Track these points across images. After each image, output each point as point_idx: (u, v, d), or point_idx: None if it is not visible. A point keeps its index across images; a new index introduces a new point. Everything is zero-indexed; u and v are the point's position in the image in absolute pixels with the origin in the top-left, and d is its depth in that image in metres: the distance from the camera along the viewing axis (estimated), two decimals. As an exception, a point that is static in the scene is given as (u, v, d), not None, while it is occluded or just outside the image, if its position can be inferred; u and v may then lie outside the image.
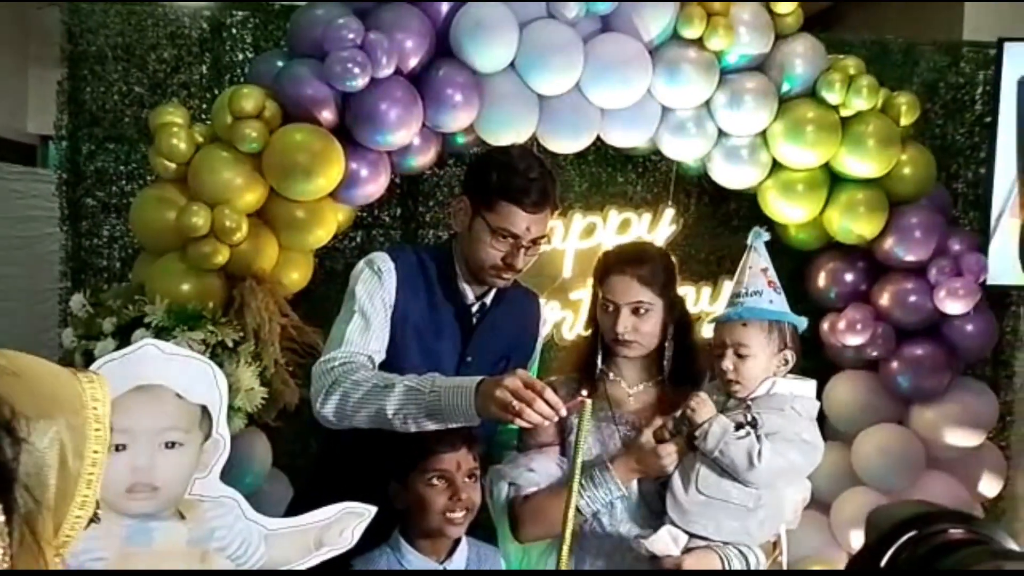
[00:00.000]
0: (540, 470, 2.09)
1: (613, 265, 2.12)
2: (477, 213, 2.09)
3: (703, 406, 1.98)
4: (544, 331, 2.47)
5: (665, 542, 1.94)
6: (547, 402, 1.78)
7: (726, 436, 1.93)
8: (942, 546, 0.85)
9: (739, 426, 1.96)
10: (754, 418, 1.96)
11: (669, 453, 1.98)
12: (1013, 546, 0.89)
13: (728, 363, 2.02)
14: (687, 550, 1.96)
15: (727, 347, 2.03)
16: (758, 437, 1.93)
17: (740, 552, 1.98)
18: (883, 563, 0.88)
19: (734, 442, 1.92)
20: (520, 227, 2.06)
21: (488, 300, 2.22)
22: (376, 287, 2.10)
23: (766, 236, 2.11)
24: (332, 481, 2.05)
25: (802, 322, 2.09)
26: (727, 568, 1.96)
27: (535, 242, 2.11)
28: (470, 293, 2.20)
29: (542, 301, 2.49)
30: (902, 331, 3.25)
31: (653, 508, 2.05)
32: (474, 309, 2.20)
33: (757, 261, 2.08)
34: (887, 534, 0.90)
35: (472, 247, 2.11)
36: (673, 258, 2.27)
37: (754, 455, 1.91)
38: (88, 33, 3.15)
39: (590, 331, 2.23)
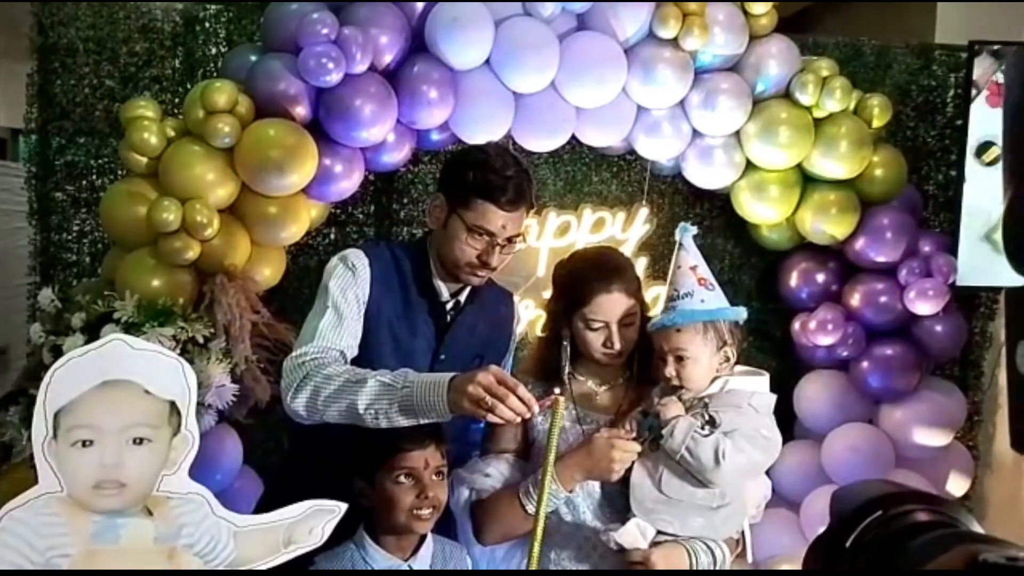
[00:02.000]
0: (496, 474, 2.09)
1: (597, 283, 2.06)
2: (453, 211, 2.08)
3: (671, 404, 1.99)
4: (519, 330, 2.47)
5: (633, 535, 1.95)
6: (520, 399, 1.77)
7: (691, 433, 1.93)
8: (908, 527, 0.85)
9: (702, 426, 1.96)
10: (711, 416, 1.97)
11: (624, 450, 1.95)
12: (978, 528, 0.89)
13: (670, 370, 2.02)
14: (654, 544, 1.96)
15: (666, 353, 2.03)
16: (721, 436, 1.94)
17: (707, 546, 1.99)
18: (848, 543, 0.88)
19: (701, 440, 1.92)
20: (496, 225, 2.06)
21: (462, 298, 2.21)
22: (349, 283, 2.09)
23: (693, 230, 2.11)
24: (300, 478, 2.04)
25: (740, 314, 2.06)
26: (695, 562, 1.96)
27: (510, 240, 2.11)
28: (445, 291, 2.19)
29: (516, 299, 2.48)
30: (872, 331, 3.28)
31: (615, 503, 2.04)
32: (448, 307, 2.20)
33: (686, 259, 2.06)
34: (852, 514, 0.90)
35: (448, 245, 2.10)
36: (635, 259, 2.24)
37: (719, 453, 1.91)
38: (59, 26, 3.10)
39: (548, 335, 2.18)
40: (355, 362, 2.06)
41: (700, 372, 2.02)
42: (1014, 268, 0.74)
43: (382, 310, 2.12)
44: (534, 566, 1.85)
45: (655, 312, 2.13)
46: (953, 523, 0.88)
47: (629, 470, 1.99)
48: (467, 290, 2.21)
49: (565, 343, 2.02)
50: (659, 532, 1.98)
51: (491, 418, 1.79)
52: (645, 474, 1.99)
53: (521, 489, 2.02)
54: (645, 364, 2.13)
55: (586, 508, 2.06)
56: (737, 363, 2.08)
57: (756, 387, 2.05)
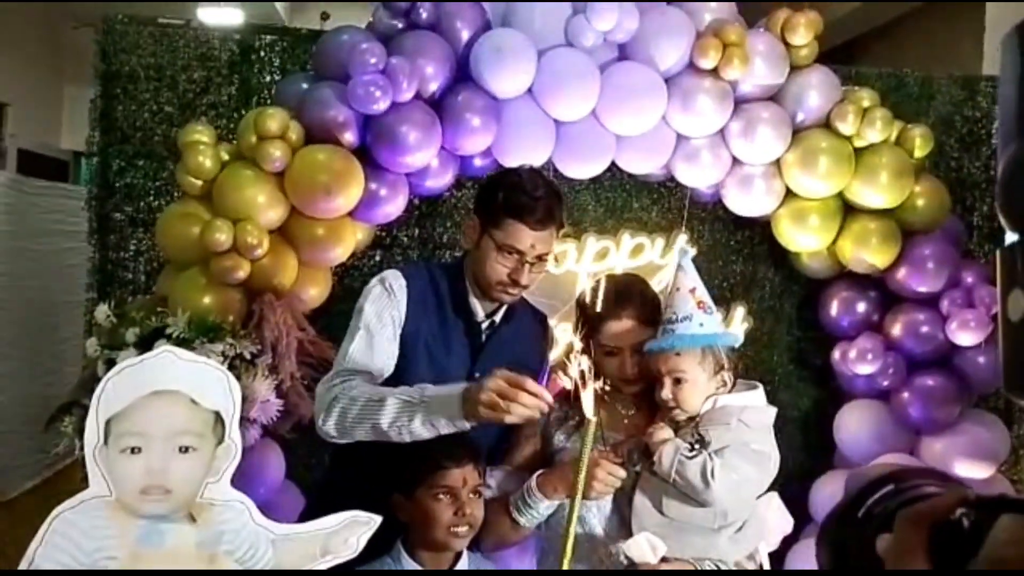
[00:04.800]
0: (493, 484, 2.14)
1: (611, 310, 2.13)
2: (485, 231, 2.15)
3: (658, 430, 2.01)
4: (555, 353, 2.51)
5: (643, 548, 1.97)
6: (531, 392, 1.79)
7: (678, 456, 1.95)
8: (917, 498, 0.87)
9: (689, 448, 1.97)
10: (700, 436, 1.98)
11: (607, 472, 1.96)
12: None
13: (667, 392, 2.05)
14: (664, 560, 1.98)
15: (664, 375, 2.05)
16: (709, 455, 1.95)
17: (716, 566, 2.01)
18: (860, 514, 0.90)
19: (687, 462, 1.94)
20: (525, 244, 2.11)
21: (498, 318, 2.27)
22: (385, 304, 2.16)
23: (692, 252, 2.15)
24: (340, 494, 2.09)
25: (736, 339, 2.10)
26: None
27: (540, 259, 2.16)
28: (480, 310, 2.25)
29: (553, 323, 2.53)
30: (913, 361, 3.26)
31: (627, 519, 2.06)
32: (484, 326, 2.25)
33: (685, 282, 2.09)
34: (864, 488, 0.91)
35: (480, 264, 2.17)
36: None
37: (707, 473, 1.92)
38: (121, 53, 3.24)
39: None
40: (392, 380, 2.11)
41: (696, 395, 2.05)
42: (1008, 225, 0.76)
43: (419, 329, 2.18)
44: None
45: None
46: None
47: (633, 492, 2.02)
48: (502, 311, 2.26)
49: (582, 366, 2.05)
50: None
51: (510, 419, 1.80)
52: (647, 497, 2.02)
53: (511, 500, 2.07)
54: None
55: (597, 523, 2.10)
56: (734, 386, 2.09)
57: (748, 401, 2.07)
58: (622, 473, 1.98)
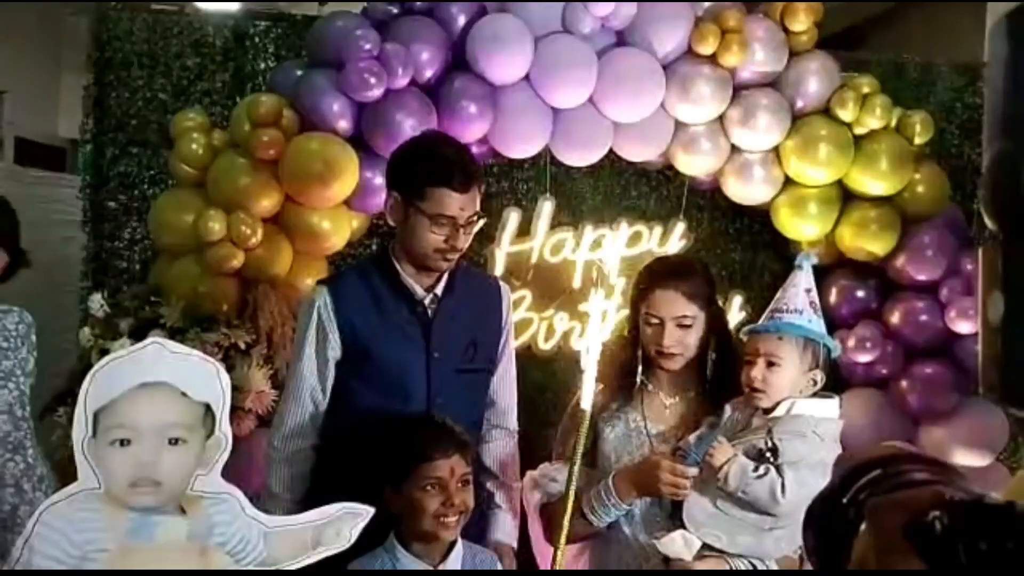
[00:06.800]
0: (563, 480, 2.12)
1: (658, 280, 2.15)
2: (410, 204, 2.11)
3: (720, 450, 1.98)
4: (513, 317, 2.46)
5: (679, 545, 1.97)
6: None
7: (746, 477, 1.94)
8: (902, 484, 0.86)
9: (759, 454, 1.96)
10: (775, 445, 1.96)
11: (675, 474, 1.98)
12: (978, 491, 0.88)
13: (757, 372, 2.04)
14: (700, 557, 1.98)
15: (759, 356, 2.05)
16: (779, 467, 1.93)
17: (751, 564, 2.00)
18: (846, 499, 0.89)
19: (754, 482, 1.93)
20: (454, 209, 2.09)
21: (439, 291, 2.21)
22: (309, 331, 2.18)
23: (815, 260, 2.16)
24: (330, 487, 2.09)
25: (836, 347, 2.11)
26: None
27: (470, 220, 2.14)
28: (417, 287, 2.20)
29: (551, 311, 2.51)
30: (912, 350, 3.25)
31: (674, 517, 2.07)
32: (427, 301, 2.20)
33: (802, 281, 2.10)
34: (852, 471, 0.91)
35: (412, 238, 2.13)
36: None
37: (776, 491, 1.92)
38: (115, 40, 3.22)
39: (629, 340, 2.24)
40: (352, 383, 2.18)
41: (784, 382, 2.04)
42: (990, 221, 0.75)
43: (361, 333, 2.16)
44: (559, 566, 1.90)
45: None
46: (950, 483, 0.88)
47: None
48: (442, 282, 2.21)
49: (634, 342, 2.09)
50: (705, 546, 2.00)
51: None
52: (700, 487, 2.01)
53: (584, 500, 2.08)
54: (719, 378, 2.17)
55: (642, 521, 2.10)
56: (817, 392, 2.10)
57: (824, 412, 2.06)
58: (689, 475, 1.99)
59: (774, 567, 2.05)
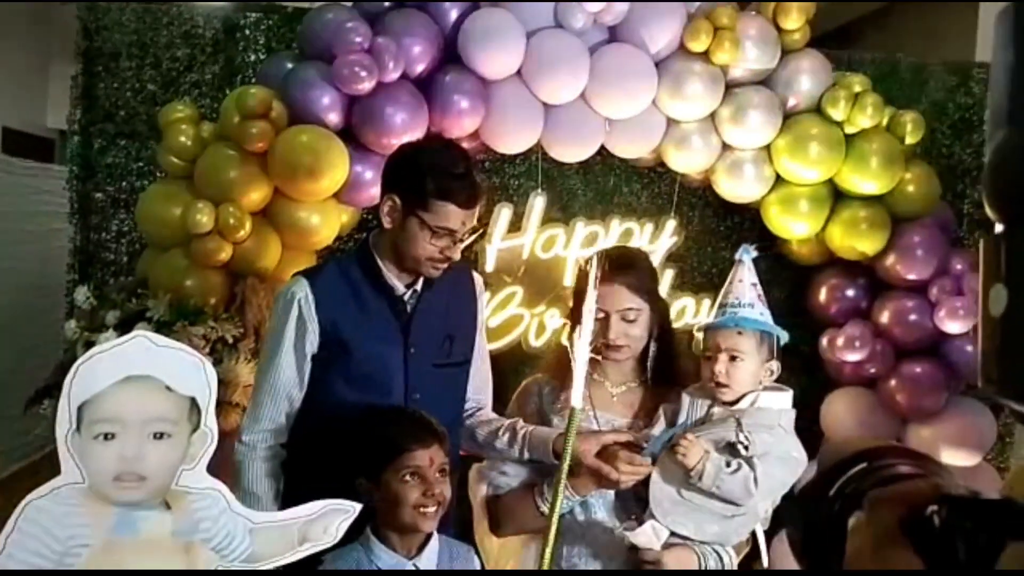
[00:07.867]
0: (513, 472, 2.16)
1: (600, 275, 2.11)
2: (411, 212, 2.09)
3: (692, 449, 1.98)
4: (483, 302, 2.46)
5: (648, 536, 1.99)
6: None
7: (721, 474, 1.96)
8: (888, 478, 0.86)
9: (730, 447, 1.98)
10: (747, 437, 1.99)
11: (635, 464, 1.99)
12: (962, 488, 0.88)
13: (721, 367, 2.06)
14: (667, 546, 2.00)
15: (720, 351, 2.07)
16: (749, 460, 1.96)
17: (716, 552, 2.04)
18: (831, 492, 0.89)
19: (729, 478, 1.96)
20: (456, 223, 2.08)
21: (419, 286, 2.21)
22: (288, 323, 2.14)
23: (754, 253, 2.16)
24: (305, 478, 2.08)
25: (786, 336, 2.14)
26: (703, 564, 2.01)
27: (468, 233, 2.15)
28: (399, 284, 2.19)
29: (541, 307, 2.50)
30: (901, 349, 3.25)
31: (628, 504, 2.09)
32: (407, 298, 2.20)
33: (747, 275, 2.13)
34: (837, 465, 0.90)
35: (407, 245, 2.11)
36: (654, 261, 2.29)
37: (751, 485, 1.95)
38: (103, 30, 3.19)
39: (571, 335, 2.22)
40: (331, 376, 2.15)
41: (747, 375, 2.07)
42: (994, 215, 0.74)
43: (342, 327, 2.14)
44: (546, 566, 1.88)
45: (681, 324, 2.17)
46: (934, 477, 0.87)
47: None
48: (421, 279, 2.21)
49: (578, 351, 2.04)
50: (672, 534, 2.02)
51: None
52: (665, 475, 2.03)
53: (536, 490, 2.10)
54: (661, 367, 2.19)
55: (599, 507, 2.11)
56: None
57: (783, 404, 2.10)
58: (647, 468, 2.00)
59: (732, 553, 2.09)
